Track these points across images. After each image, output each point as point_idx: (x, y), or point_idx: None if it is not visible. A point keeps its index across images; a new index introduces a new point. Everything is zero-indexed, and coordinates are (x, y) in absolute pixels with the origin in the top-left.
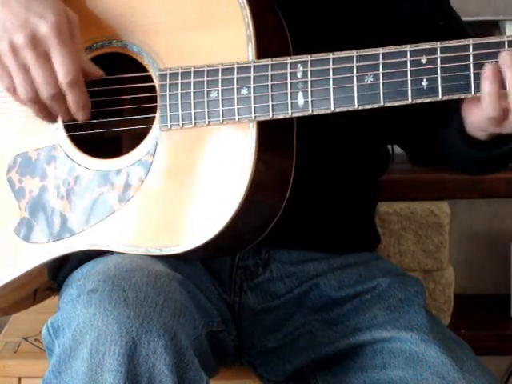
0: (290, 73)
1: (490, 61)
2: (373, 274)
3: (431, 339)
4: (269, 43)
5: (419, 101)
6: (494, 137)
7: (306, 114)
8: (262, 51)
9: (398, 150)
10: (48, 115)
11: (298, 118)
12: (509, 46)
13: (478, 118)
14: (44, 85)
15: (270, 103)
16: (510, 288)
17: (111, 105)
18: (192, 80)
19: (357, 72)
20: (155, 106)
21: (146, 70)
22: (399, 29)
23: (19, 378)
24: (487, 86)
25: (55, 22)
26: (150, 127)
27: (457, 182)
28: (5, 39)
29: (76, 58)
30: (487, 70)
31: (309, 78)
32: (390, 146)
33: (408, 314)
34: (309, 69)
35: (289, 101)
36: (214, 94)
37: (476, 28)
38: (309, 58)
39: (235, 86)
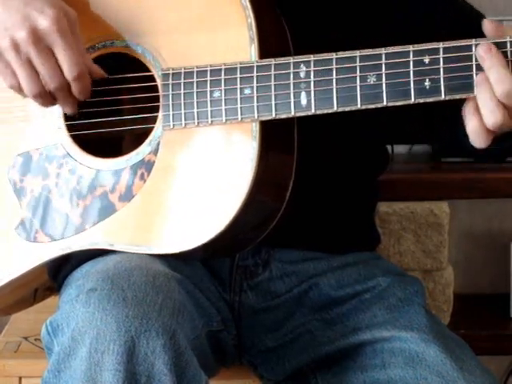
0: (293, 73)
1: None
2: (373, 274)
3: (431, 339)
4: (271, 43)
5: (422, 100)
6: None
7: (309, 113)
8: (265, 51)
9: (397, 149)
10: (51, 103)
11: (298, 117)
12: (511, 46)
13: None
14: (49, 78)
15: (273, 103)
16: (510, 288)
17: (113, 104)
18: (195, 80)
19: (360, 72)
20: (158, 106)
21: (148, 70)
22: (401, 28)
23: (20, 378)
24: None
25: (55, 17)
26: (153, 127)
27: (456, 182)
28: (6, 36)
29: (79, 52)
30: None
31: (312, 78)
32: (389, 146)
33: (408, 314)
34: (312, 69)
35: (292, 100)
36: (216, 94)
37: None
38: (312, 57)
39: (238, 86)
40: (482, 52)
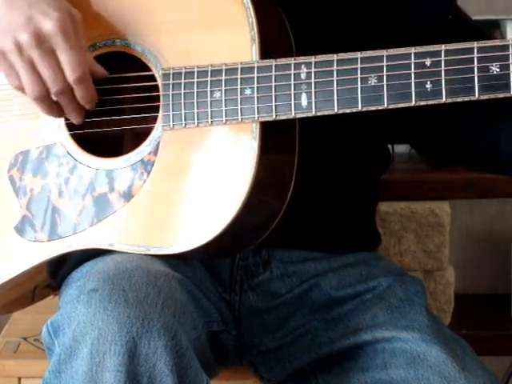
0: (294, 74)
1: (494, 64)
2: (373, 274)
3: (432, 339)
4: (273, 44)
5: (423, 103)
6: None
7: (310, 115)
8: (266, 52)
9: (398, 149)
10: (56, 111)
11: (299, 118)
12: None
13: None
14: (52, 81)
15: (274, 104)
16: (511, 288)
17: (114, 104)
18: (195, 80)
19: (361, 74)
20: (158, 106)
21: (148, 70)
22: (403, 30)
23: (19, 378)
24: None
25: (59, 19)
26: (153, 126)
27: (457, 182)
28: (9, 38)
29: (82, 54)
30: None
31: (312, 79)
32: (390, 146)
33: (409, 314)
34: (313, 70)
35: (292, 102)
36: (217, 94)
37: None
38: (313, 59)
39: (239, 87)
40: None
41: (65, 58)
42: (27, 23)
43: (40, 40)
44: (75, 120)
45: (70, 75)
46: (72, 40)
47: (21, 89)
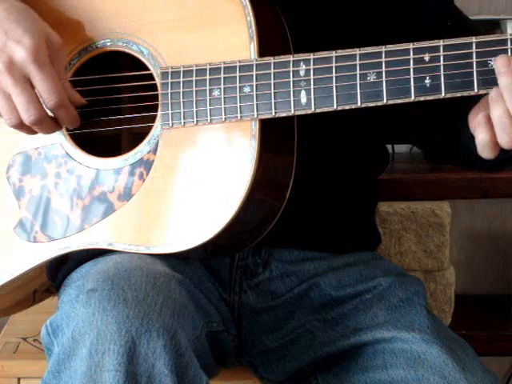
0: (293, 71)
1: (491, 58)
2: (373, 274)
3: (432, 339)
4: (271, 42)
5: (422, 99)
6: None
7: (309, 112)
8: (265, 49)
9: (398, 149)
10: (37, 133)
11: (298, 116)
12: (511, 44)
13: None
14: (23, 109)
15: (273, 101)
16: (511, 288)
17: (112, 103)
18: (194, 78)
19: (360, 70)
20: (156, 105)
21: (147, 69)
22: (402, 28)
23: (18, 379)
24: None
25: (32, 47)
26: (152, 126)
27: (458, 182)
28: None
29: (58, 80)
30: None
31: (311, 76)
32: (389, 146)
33: (409, 314)
34: (311, 67)
35: (291, 99)
36: (216, 92)
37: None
38: (311, 56)
39: (237, 84)
40: (500, 65)
41: (39, 86)
42: (1, 51)
43: (12, 68)
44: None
45: (47, 101)
46: (46, 67)
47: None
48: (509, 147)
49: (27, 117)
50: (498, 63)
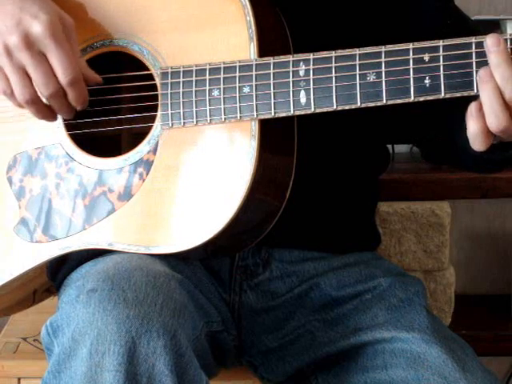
0: (292, 71)
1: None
2: (373, 274)
3: (432, 339)
4: (270, 42)
5: (422, 99)
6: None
7: (309, 112)
8: (264, 49)
9: (398, 149)
10: (47, 115)
11: (298, 116)
12: (510, 44)
13: None
14: (42, 84)
15: (272, 101)
16: (511, 288)
17: (112, 103)
18: (194, 78)
19: (359, 70)
20: (156, 105)
21: (146, 69)
22: (402, 28)
23: (18, 379)
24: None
25: (48, 22)
26: (151, 126)
27: (458, 182)
28: None
29: (73, 57)
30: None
31: (311, 76)
32: (390, 146)
33: (409, 314)
34: (311, 67)
35: (291, 99)
36: (215, 93)
37: None
38: (311, 56)
39: (237, 85)
40: (490, 44)
41: (55, 61)
42: (17, 26)
43: (29, 43)
44: (65, 117)
45: (62, 77)
46: (63, 43)
47: (8, 93)
48: (498, 130)
49: (47, 90)
50: (489, 42)
